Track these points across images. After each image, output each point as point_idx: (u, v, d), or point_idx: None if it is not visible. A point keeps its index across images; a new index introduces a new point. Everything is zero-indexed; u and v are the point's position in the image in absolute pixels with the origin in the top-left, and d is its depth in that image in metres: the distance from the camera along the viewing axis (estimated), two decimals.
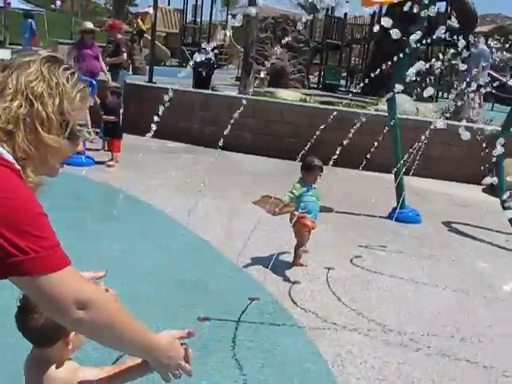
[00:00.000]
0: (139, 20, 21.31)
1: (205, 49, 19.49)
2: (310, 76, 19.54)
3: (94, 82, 7.77)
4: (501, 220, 6.32)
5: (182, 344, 1.63)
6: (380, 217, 6.44)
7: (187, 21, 23.99)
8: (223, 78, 17.19)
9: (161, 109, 3.41)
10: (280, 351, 3.37)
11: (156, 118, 4.32)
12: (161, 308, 3.74)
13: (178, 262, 4.61)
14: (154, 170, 7.69)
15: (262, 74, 16.93)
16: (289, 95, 12.52)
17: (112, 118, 7.77)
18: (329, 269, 4.73)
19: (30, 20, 18.92)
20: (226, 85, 14.97)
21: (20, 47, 18.14)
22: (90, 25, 9.55)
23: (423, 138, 5.93)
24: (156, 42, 21.63)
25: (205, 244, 5.05)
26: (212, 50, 23.07)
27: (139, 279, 4.14)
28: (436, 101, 18.90)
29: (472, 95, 15.16)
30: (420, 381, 3.20)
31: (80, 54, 8.99)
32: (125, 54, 9.82)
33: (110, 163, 7.62)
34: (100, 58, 9.31)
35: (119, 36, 9.93)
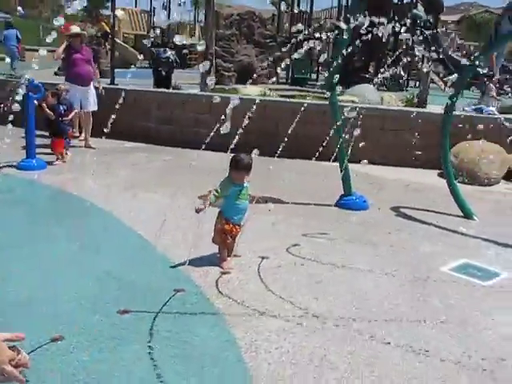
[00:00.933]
0: (103, 23, 21.19)
1: (168, 47, 19.40)
2: (278, 71, 19.49)
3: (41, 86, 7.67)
4: (453, 203, 6.36)
5: (13, 347, 1.53)
6: (327, 205, 6.43)
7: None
8: (192, 77, 17.12)
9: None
10: (196, 340, 3.34)
11: (110, 119, 4.34)
12: (81, 301, 3.71)
13: (106, 257, 4.58)
14: (105, 170, 7.65)
15: (229, 73, 17.13)
16: (253, 91, 12.47)
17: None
18: (263, 258, 4.70)
19: (14, 29, 18.79)
20: (193, 84, 14.88)
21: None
22: (76, 29, 9.39)
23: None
24: (124, 44, 21.60)
25: (138, 240, 5.02)
26: (182, 48, 23.05)
27: (64, 274, 4.13)
28: (407, 90, 19.02)
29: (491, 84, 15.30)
30: (333, 363, 3.17)
31: (70, 60, 8.90)
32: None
33: (57, 162, 7.62)
34: (92, 62, 9.18)
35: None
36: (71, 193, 6.45)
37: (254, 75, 18.20)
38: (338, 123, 6.16)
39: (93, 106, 9.08)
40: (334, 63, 6.24)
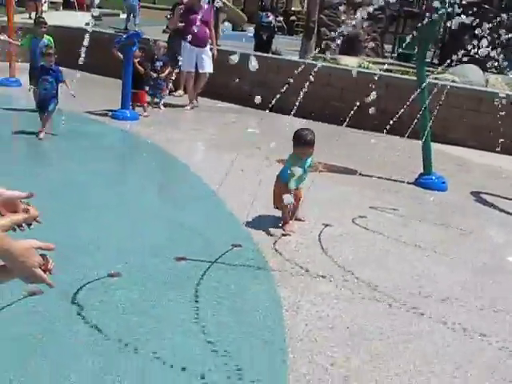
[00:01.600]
0: None
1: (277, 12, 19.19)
2: (384, 44, 18.97)
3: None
4: None
5: (42, 255, 1.66)
6: (406, 182, 6.28)
7: None
8: (296, 44, 17.03)
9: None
10: (242, 293, 3.46)
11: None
12: (144, 245, 3.93)
13: (176, 207, 4.79)
14: (194, 126, 7.90)
15: (333, 44, 16.86)
16: (351, 62, 12.26)
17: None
18: (326, 225, 4.71)
19: None
20: (295, 50, 14.79)
21: None
22: None
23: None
24: (233, 6, 21.78)
25: (209, 193, 5.18)
26: (290, 15, 22.84)
27: (134, 219, 4.37)
28: None
29: None
30: (370, 335, 3.17)
31: (187, 19, 8.82)
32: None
33: (145, 114, 7.95)
34: (210, 24, 9.06)
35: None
36: (156, 145, 6.72)
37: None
38: (424, 100, 5.94)
39: (208, 67, 9.04)
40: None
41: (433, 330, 3.28)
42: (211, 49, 9.10)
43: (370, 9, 4.30)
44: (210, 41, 9.10)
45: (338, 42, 15.22)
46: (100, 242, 3.91)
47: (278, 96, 4.55)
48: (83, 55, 3.10)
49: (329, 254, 4.18)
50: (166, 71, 8.43)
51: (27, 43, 7.69)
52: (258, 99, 4.44)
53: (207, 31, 8.94)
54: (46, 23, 7.73)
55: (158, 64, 8.20)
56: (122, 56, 7.66)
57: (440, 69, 13.69)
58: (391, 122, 5.44)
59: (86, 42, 2.96)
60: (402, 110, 5.71)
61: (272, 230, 4.50)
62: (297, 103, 4.44)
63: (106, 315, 3.02)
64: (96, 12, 15.82)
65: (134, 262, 3.68)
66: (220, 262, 3.81)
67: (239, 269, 3.77)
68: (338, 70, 9.66)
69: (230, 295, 3.41)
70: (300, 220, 4.70)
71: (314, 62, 10.50)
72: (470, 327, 3.35)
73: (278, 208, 4.60)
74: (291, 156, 4.50)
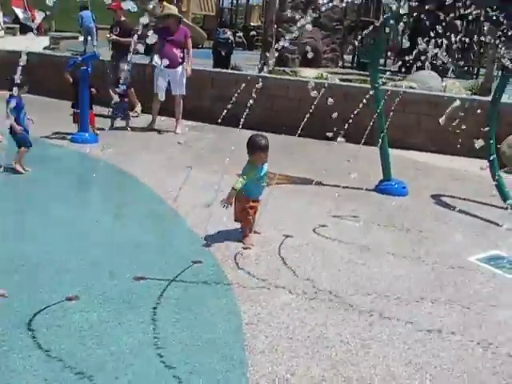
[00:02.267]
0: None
1: (237, 28, 19.17)
2: (343, 55, 19.25)
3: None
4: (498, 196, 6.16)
5: None
6: (366, 189, 6.36)
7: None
8: (256, 58, 17.18)
9: None
10: (201, 309, 3.45)
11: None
12: (102, 266, 3.90)
13: (133, 225, 4.77)
14: (153, 146, 7.90)
15: (293, 55, 17.05)
16: (310, 73, 12.41)
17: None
18: (287, 236, 4.75)
19: (88, 11, 18.92)
20: (255, 64, 14.88)
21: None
22: (170, 9, 9.06)
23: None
24: (192, 24, 21.88)
25: (169, 211, 5.20)
26: (249, 30, 23.04)
27: (90, 239, 4.34)
28: (476, 78, 18.26)
29: None
30: (330, 342, 3.20)
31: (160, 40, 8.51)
32: (134, 37, 9.69)
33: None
34: (187, 45, 8.78)
35: (123, 18, 9.68)
36: (115, 165, 6.69)
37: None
38: (378, 107, 6.05)
39: (179, 89, 8.84)
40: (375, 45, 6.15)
41: (393, 333, 3.32)
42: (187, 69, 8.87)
43: (309, 26, 4.33)
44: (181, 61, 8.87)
45: (293, 56, 15.46)
46: (58, 265, 3.87)
47: (229, 107, 4.55)
48: (18, 77, 3.08)
49: (289, 264, 4.21)
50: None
51: None
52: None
53: (179, 52, 8.78)
54: None
55: (122, 88, 8.15)
56: (71, 79, 7.66)
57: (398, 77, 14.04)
58: (346, 128, 5.53)
59: (22, 63, 2.94)
60: (354, 116, 5.75)
61: (232, 243, 4.52)
62: (244, 115, 4.42)
63: (63, 340, 2.98)
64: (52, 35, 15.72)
65: (92, 284, 3.65)
66: (179, 280, 3.80)
67: (199, 285, 3.77)
68: (296, 81, 9.77)
69: (189, 312, 3.40)
70: (256, 232, 4.71)
71: (266, 75, 10.72)
72: (431, 328, 3.40)
73: (237, 221, 4.61)
74: (246, 165, 4.52)
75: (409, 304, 3.72)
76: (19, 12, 21.90)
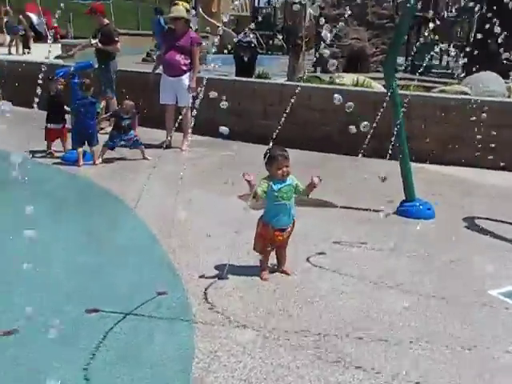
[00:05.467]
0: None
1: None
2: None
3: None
4: None
5: None
6: (384, 211, 6.30)
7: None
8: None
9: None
10: (151, 345, 3.55)
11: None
12: (55, 296, 4.07)
13: (106, 252, 4.95)
14: (152, 164, 8.11)
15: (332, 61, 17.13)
16: (350, 79, 12.38)
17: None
18: (274, 265, 4.80)
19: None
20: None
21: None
22: (178, 11, 9.05)
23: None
24: (224, 27, 22.28)
25: (148, 239, 5.36)
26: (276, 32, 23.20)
27: (49, 265, 4.54)
28: None
29: None
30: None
31: (163, 45, 9.18)
32: (118, 44, 9.90)
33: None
34: (193, 53, 8.99)
35: (106, 21, 9.98)
36: (104, 187, 6.92)
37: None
38: (398, 118, 6.06)
39: (184, 100, 8.99)
40: (396, 44, 6.19)
41: (361, 380, 3.32)
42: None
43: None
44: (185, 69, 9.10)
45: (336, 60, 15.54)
46: (3, 292, 4.06)
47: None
48: None
49: (265, 299, 4.25)
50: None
51: None
52: (224, 130, 4.53)
53: (182, 59, 9.01)
54: None
55: (127, 121, 8.31)
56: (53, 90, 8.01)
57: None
58: (368, 143, 5.59)
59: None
60: (375, 127, 5.77)
61: (211, 273, 4.61)
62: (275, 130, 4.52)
63: None
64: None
65: (37, 316, 3.77)
66: (136, 314, 3.91)
67: (156, 320, 3.86)
68: (319, 89, 9.86)
69: (136, 348, 3.50)
70: (285, 272, 4.73)
71: (286, 83, 10.83)
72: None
73: (255, 250, 4.70)
74: (266, 178, 4.54)
75: (398, 353, 3.65)
76: (34, 17, 22.90)
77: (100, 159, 8.12)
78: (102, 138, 8.49)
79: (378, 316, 4.07)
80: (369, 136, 5.42)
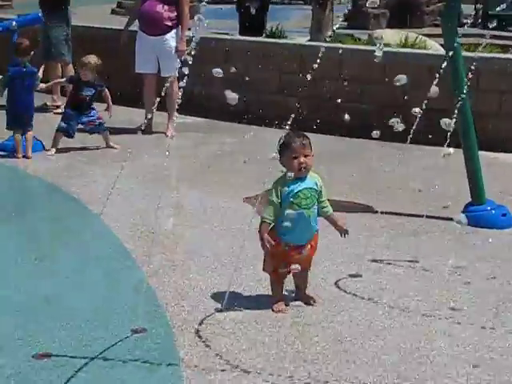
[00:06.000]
0: None
1: None
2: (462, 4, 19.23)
3: None
4: None
5: None
6: (444, 218, 6.39)
7: None
8: None
9: None
10: None
11: None
12: None
13: (65, 275, 5.06)
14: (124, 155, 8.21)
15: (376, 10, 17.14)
16: (391, 38, 12.43)
17: None
18: (291, 292, 4.86)
19: None
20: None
21: None
22: None
23: None
24: None
25: (122, 256, 5.48)
26: None
27: None
28: None
29: None
30: None
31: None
32: None
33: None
34: (181, 4, 9.21)
35: None
36: (58, 186, 7.02)
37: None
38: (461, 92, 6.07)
39: (170, 68, 9.00)
40: None
41: None
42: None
43: None
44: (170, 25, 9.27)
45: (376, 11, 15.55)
46: None
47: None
48: None
49: (278, 338, 4.30)
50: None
51: None
52: (232, 98, 4.51)
53: (166, 11, 9.16)
54: None
55: (89, 92, 8.40)
56: None
57: None
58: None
59: None
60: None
61: (203, 303, 4.69)
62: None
63: None
64: None
65: None
66: (103, 358, 3.97)
67: (131, 365, 3.92)
68: (353, 52, 9.90)
69: None
70: (308, 303, 4.78)
71: (306, 44, 10.88)
72: None
73: (265, 271, 4.78)
74: (278, 180, 4.59)
75: None
76: None
77: (53, 150, 8.20)
78: (55, 120, 8.57)
79: (429, 359, 4.10)
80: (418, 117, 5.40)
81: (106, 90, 8.61)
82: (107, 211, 5.77)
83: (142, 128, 8.14)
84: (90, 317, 4.48)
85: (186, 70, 4.48)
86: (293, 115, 4.47)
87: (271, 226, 4.54)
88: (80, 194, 6.86)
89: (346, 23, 15.89)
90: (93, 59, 8.34)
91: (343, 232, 4.73)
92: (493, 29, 10.83)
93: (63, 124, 8.25)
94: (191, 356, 4.05)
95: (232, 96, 4.45)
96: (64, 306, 4.63)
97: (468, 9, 19.44)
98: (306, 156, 4.52)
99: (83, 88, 8.28)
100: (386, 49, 10.30)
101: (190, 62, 4.51)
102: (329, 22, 12.47)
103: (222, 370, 3.91)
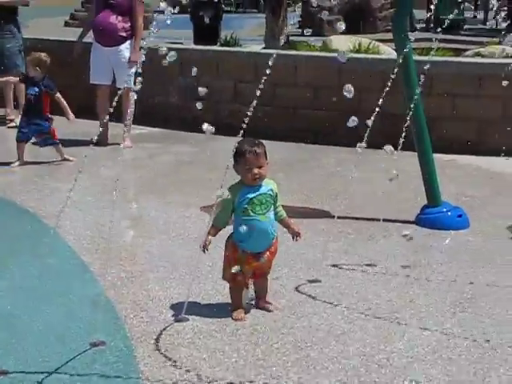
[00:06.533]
0: None
1: None
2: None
3: None
4: None
5: None
6: (402, 221, 6.44)
7: None
8: None
9: None
10: None
11: None
12: None
13: (15, 289, 4.97)
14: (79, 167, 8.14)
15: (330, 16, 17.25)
16: (345, 44, 12.51)
17: None
18: (251, 299, 4.85)
19: None
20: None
21: None
22: None
23: None
24: None
25: (79, 268, 5.45)
26: None
27: None
28: None
29: None
30: None
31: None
32: None
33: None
34: (135, 14, 9.17)
35: None
36: (10, 200, 6.96)
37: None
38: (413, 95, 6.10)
39: (125, 79, 9.00)
40: None
41: None
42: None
43: None
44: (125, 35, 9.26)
45: (330, 17, 15.67)
46: None
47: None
48: None
49: (239, 346, 4.28)
50: None
51: None
52: (208, 129, 4.48)
53: (120, 22, 9.13)
54: None
55: (32, 91, 8.30)
56: None
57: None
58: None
59: None
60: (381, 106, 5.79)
61: (162, 314, 4.65)
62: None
63: None
64: None
65: None
66: (60, 372, 3.92)
67: (89, 379, 3.88)
68: (308, 59, 9.96)
69: None
70: (265, 309, 4.78)
71: (261, 51, 10.92)
72: None
73: (224, 279, 4.76)
74: (231, 187, 4.57)
75: None
76: None
77: (16, 162, 8.12)
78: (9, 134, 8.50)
79: (389, 362, 4.11)
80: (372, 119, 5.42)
81: (58, 93, 8.45)
82: (63, 224, 5.76)
83: (95, 140, 8.11)
84: (47, 331, 4.43)
85: (139, 81, 4.49)
86: (247, 122, 4.47)
87: (221, 230, 4.58)
88: (35, 207, 6.80)
89: (299, 30, 16.02)
90: (37, 54, 8.27)
91: (296, 235, 4.72)
92: (445, 33, 10.98)
93: (19, 133, 8.18)
94: (151, 368, 4.01)
95: (208, 128, 4.44)
96: (20, 321, 4.57)
97: (420, 14, 19.67)
98: (260, 167, 4.49)
99: (28, 87, 8.20)
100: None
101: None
102: (282, 29, 12.50)
103: (182, 381, 3.89)
